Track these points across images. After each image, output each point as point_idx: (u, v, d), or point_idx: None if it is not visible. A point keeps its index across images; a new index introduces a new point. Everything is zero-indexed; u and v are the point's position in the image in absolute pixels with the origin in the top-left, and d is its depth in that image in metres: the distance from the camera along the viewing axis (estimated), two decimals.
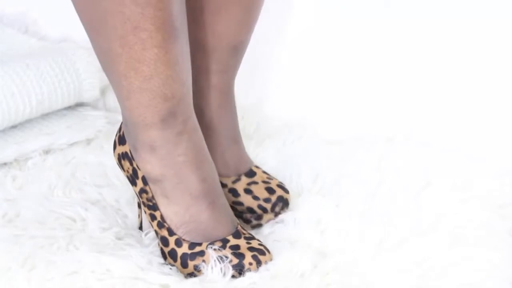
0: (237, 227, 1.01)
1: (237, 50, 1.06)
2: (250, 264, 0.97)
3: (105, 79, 1.35)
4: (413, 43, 1.25)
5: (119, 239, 1.04)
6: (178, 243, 0.98)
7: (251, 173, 1.10)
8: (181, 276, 0.97)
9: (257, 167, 1.12)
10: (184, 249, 0.98)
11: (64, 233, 1.03)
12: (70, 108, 1.33)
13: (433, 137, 1.24)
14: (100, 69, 1.34)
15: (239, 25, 1.04)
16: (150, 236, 1.04)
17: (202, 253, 0.97)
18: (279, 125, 1.28)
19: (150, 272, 0.95)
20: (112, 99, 1.37)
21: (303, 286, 0.95)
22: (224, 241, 0.98)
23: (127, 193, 1.13)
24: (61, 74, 1.28)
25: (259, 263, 0.97)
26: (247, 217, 1.08)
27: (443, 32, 1.23)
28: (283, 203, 1.08)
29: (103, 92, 1.37)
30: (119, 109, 1.35)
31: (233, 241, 0.98)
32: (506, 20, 1.20)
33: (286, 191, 1.10)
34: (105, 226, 1.05)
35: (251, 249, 0.98)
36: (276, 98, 1.32)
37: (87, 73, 1.31)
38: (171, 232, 0.99)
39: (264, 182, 1.09)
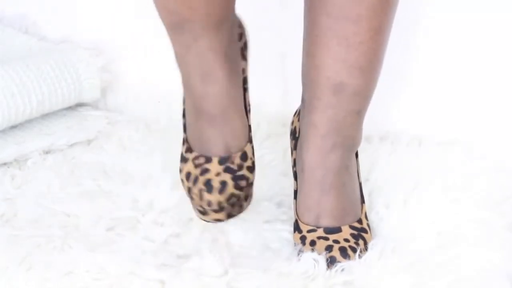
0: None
1: (337, 91, 0.99)
2: None
3: (105, 79, 1.35)
4: (406, 36, 1.25)
5: (110, 229, 1.04)
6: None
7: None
8: (177, 270, 0.97)
9: None
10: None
11: (59, 231, 1.03)
12: (70, 108, 1.33)
13: (430, 134, 1.24)
14: (101, 69, 1.34)
15: (337, 62, 0.97)
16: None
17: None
18: (278, 126, 1.28)
19: (146, 265, 0.95)
20: (112, 99, 1.37)
21: (308, 286, 0.94)
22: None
23: (127, 189, 1.14)
24: (61, 74, 1.28)
25: None
26: None
27: (440, 25, 1.23)
28: None
29: (103, 92, 1.37)
30: (120, 109, 1.37)
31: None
32: (506, 14, 1.20)
33: None
34: (97, 219, 1.06)
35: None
36: (276, 99, 1.32)
37: (87, 73, 1.31)
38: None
39: None
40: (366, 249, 1.00)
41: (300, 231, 1.02)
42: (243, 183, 0.99)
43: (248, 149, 1.01)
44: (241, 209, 1.02)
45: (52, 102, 1.27)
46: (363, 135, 1.04)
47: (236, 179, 0.98)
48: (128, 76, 1.38)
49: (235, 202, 0.99)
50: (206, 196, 0.97)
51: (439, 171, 1.14)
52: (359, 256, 0.98)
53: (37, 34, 1.42)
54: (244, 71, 1.05)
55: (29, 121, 1.27)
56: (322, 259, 0.97)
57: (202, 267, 0.95)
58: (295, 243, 1.02)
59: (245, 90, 1.05)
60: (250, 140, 1.02)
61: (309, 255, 0.97)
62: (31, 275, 0.95)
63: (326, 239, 1.00)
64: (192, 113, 1.01)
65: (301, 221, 1.02)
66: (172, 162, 1.19)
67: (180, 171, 1.01)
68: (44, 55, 1.29)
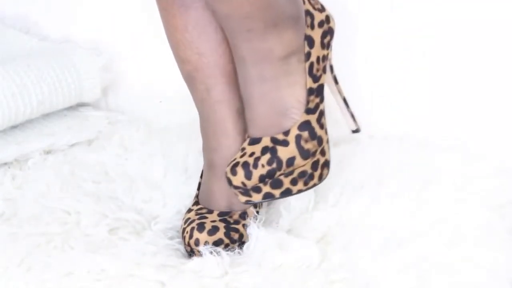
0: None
1: (217, 18, 0.99)
2: None
3: (106, 79, 1.35)
4: (408, 38, 1.25)
5: (111, 230, 1.04)
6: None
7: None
8: (177, 271, 0.97)
9: None
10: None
11: (59, 231, 1.03)
12: (71, 108, 1.33)
13: (432, 135, 1.24)
14: (101, 69, 1.34)
15: None
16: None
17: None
18: None
19: (146, 267, 0.95)
20: (113, 99, 1.37)
21: (308, 282, 0.94)
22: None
23: (128, 190, 1.14)
24: (62, 74, 1.28)
25: None
26: None
27: (440, 27, 1.23)
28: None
29: (104, 92, 1.37)
30: (121, 109, 1.37)
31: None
32: (506, 15, 1.20)
33: None
34: (98, 219, 1.06)
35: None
36: None
37: (88, 73, 1.31)
38: None
39: None
40: (278, 164, 0.96)
41: None
42: (235, 235, 1.01)
43: (250, 211, 1.04)
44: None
45: (52, 102, 1.27)
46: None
47: (229, 229, 1.01)
48: (128, 76, 1.38)
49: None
50: (196, 234, 1.00)
51: (440, 172, 1.14)
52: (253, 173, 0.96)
53: (38, 34, 1.42)
54: None
55: (29, 121, 1.27)
56: (320, 257, 0.97)
57: (202, 268, 0.96)
58: None
59: None
60: (255, 205, 1.05)
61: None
62: (30, 275, 0.95)
63: (243, 150, 0.98)
64: (205, 169, 1.06)
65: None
66: (173, 162, 1.19)
67: (183, 219, 1.04)
68: (45, 55, 1.29)
